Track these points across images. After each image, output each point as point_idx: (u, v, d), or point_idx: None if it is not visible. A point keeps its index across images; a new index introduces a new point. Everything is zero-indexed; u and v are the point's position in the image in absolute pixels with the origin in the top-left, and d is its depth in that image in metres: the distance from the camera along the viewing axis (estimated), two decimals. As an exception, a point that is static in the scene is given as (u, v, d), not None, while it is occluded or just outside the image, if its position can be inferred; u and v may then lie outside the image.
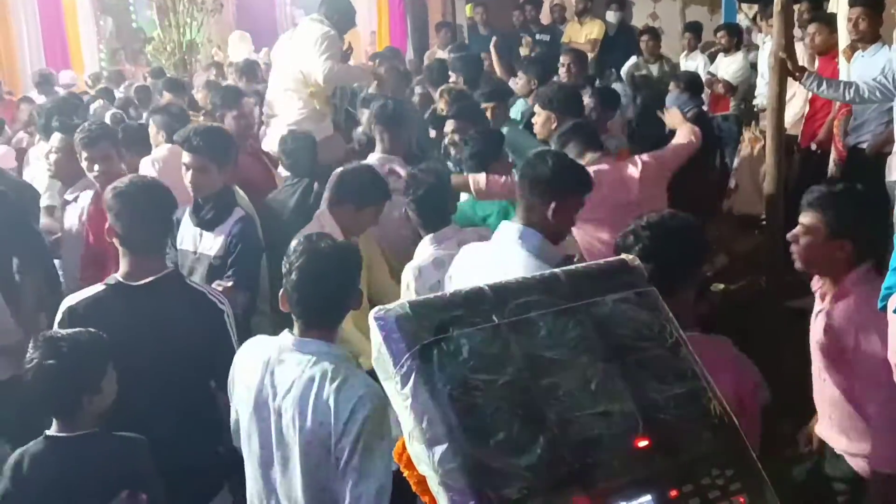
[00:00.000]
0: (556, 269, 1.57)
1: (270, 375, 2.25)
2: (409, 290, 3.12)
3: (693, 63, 8.26)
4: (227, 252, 3.40)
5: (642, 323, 1.53)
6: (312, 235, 2.38)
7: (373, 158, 4.23)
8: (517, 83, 5.92)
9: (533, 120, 4.41)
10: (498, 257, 2.66)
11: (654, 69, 8.06)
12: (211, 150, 3.49)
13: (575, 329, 1.46)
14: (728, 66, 7.87)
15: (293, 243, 2.31)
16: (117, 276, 2.72)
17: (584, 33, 9.30)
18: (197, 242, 3.52)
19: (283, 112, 5.37)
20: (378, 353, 1.42)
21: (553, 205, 2.65)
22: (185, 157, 3.53)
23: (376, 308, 1.43)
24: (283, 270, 2.27)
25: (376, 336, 1.41)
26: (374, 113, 4.38)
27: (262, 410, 2.27)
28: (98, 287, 2.72)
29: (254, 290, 3.49)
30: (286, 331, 2.32)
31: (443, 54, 9.39)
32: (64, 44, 11.90)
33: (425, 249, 3.23)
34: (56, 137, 4.35)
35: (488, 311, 1.44)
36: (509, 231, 2.71)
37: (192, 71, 9.72)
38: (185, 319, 2.67)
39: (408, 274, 3.18)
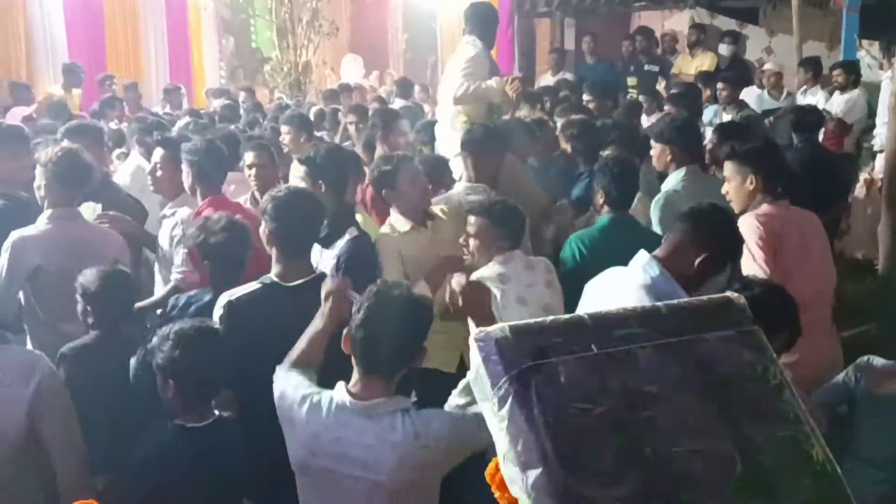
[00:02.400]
0: (659, 303, 1.56)
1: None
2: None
3: (812, 99, 8.00)
4: (336, 268, 3.48)
5: (745, 362, 1.51)
6: (388, 282, 2.38)
7: (459, 187, 4.13)
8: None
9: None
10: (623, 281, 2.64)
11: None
12: (324, 170, 3.68)
13: (675, 364, 1.45)
14: (843, 105, 7.60)
15: (370, 287, 2.32)
16: (272, 276, 2.90)
17: (694, 65, 9.18)
18: (317, 259, 3.61)
19: (446, 140, 5.13)
20: (476, 373, 1.44)
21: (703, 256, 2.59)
22: (298, 170, 3.69)
23: (477, 330, 1.46)
24: (353, 311, 2.29)
25: (476, 357, 1.44)
26: (462, 140, 4.24)
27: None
28: (255, 285, 2.90)
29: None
30: (341, 384, 2.30)
31: (550, 79, 9.48)
32: (188, 61, 12.55)
33: (491, 265, 3.27)
34: (158, 153, 4.37)
35: (588, 339, 1.45)
36: (645, 262, 2.62)
37: (305, 91, 10.07)
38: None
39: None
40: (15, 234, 3.48)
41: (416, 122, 6.22)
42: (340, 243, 3.54)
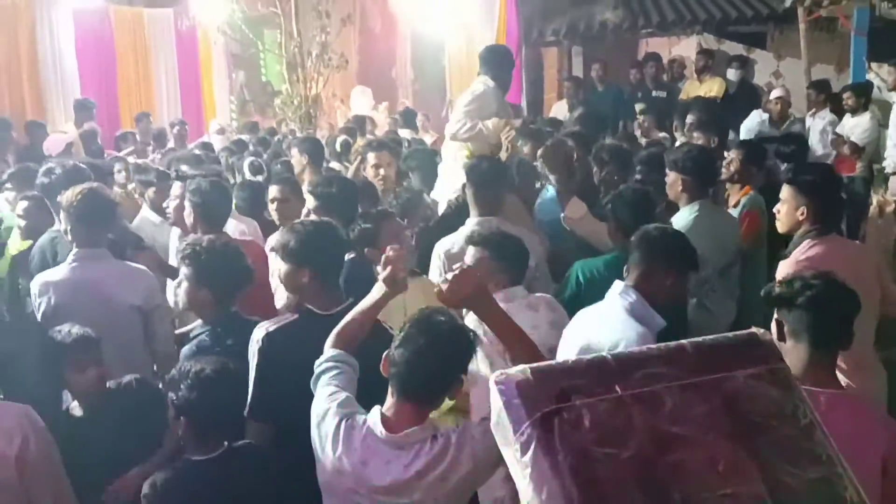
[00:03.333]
0: (684, 341, 1.52)
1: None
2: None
3: (820, 122, 7.98)
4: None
5: (774, 401, 1.47)
6: (433, 308, 2.31)
7: (471, 223, 3.95)
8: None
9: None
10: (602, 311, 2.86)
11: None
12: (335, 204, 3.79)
13: (702, 404, 1.42)
14: (855, 127, 7.57)
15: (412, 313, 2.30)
16: (308, 306, 2.89)
17: (703, 90, 9.16)
18: None
19: (450, 175, 5.13)
20: (497, 417, 1.41)
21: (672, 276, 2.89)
22: (310, 202, 3.78)
23: (497, 372, 1.43)
24: (396, 335, 2.27)
25: (496, 400, 1.40)
26: (466, 172, 4.14)
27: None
28: (290, 316, 2.91)
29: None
30: (376, 409, 2.25)
31: (564, 107, 9.52)
32: (198, 95, 12.67)
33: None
34: (176, 186, 4.47)
35: (612, 380, 1.41)
36: (621, 290, 2.88)
37: (316, 123, 10.12)
38: (366, 345, 2.63)
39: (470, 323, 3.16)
40: (40, 277, 3.51)
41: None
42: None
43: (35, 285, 3.51)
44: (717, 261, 3.87)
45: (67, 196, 3.54)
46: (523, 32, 10.32)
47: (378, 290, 2.54)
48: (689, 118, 5.72)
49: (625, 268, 2.98)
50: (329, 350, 2.47)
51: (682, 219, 3.97)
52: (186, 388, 2.55)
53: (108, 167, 6.16)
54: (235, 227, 4.39)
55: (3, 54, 9.32)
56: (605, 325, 2.80)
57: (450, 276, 2.29)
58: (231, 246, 3.32)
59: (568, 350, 2.84)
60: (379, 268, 2.56)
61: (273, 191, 4.46)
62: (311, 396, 2.43)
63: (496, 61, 5.03)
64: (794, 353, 2.26)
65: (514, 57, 5.34)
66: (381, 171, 5.02)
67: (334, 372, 2.40)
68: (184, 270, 3.19)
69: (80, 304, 3.38)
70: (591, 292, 3.26)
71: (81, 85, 10.25)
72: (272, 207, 4.46)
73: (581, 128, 6.67)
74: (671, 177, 4.09)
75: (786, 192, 3.55)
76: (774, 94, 7.79)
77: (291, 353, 2.71)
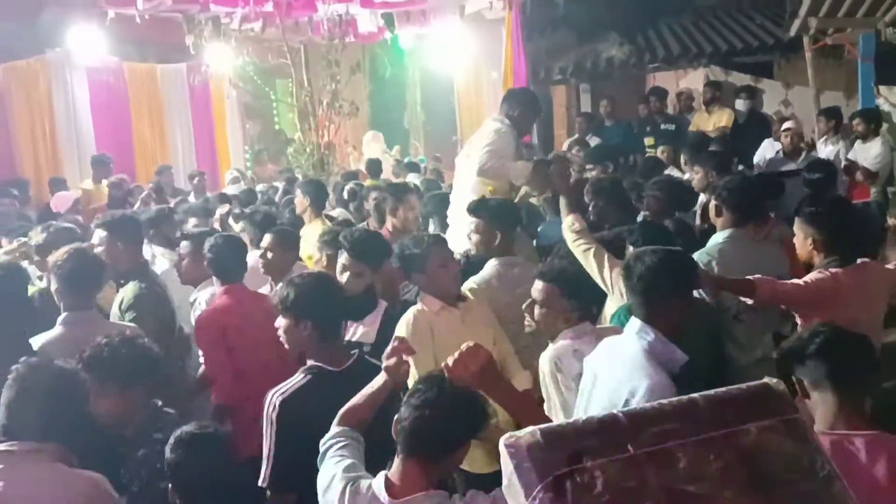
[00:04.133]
0: (695, 395, 1.51)
1: None
2: (547, 379, 3.12)
3: (833, 149, 7.96)
4: (382, 338, 3.50)
5: (790, 454, 1.45)
6: (440, 374, 2.25)
7: (491, 264, 3.98)
8: (694, 177, 5.75)
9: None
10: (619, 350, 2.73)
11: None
12: (369, 255, 3.75)
13: (717, 460, 1.39)
14: (867, 153, 7.54)
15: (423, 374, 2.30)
16: (317, 364, 2.86)
17: (712, 122, 9.20)
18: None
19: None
20: (509, 481, 1.39)
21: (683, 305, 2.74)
22: (343, 258, 3.77)
23: (507, 435, 1.41)
24: (404, 395, 2.24)
25: (507, 464, 1.39)
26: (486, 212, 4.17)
27: None
28: (301, 376, 2.85)
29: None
30: (382, 475, 2.21)
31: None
32: (213, 146, 12.82)
33: (564, 342, 3.15)
34: (184, 245, 4.53)
35: (624, 439, 1.40)
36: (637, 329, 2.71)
37: (329, 170, 10.22)
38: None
39: (545, 364, 3.15)
40: (36, 341, 3.42)
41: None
42: (370, 317, 3.69)
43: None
44: None
45: (55, 256, 3.54)
46: (531, 72, 10.41)
47: (381, 378, 2.53)
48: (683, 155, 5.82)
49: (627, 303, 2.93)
50: (334, 428, 2.45)
51: (710, 243, 4.00)
52: (171, 452, 2.59)
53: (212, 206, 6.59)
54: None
55: (23, 115, 9.50)
56: (625, 368, 2.70)
57: (456, 354, 2.25)
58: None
59: (586, 379, 2.82)
60: (384, 357, 2.55)
61: (265, 240, 4.45)
62: None
63: (516, 103, 5.09)
64: (820, 405, 2.24)
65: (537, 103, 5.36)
66: (409, 215, 5.12)
67: (340, 444, 2.39)
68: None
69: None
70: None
71: (97, 141, 10.40)
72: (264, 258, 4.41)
73: (591, 161, 6.79)
74: (712, 202, 4.13)
75: (795, 224, 3.65)
76: (785, 125, 7.77)
77: (310, 415, 2.64)
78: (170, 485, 2.61)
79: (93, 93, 10.42)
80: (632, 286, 2.73)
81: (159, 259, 5.23)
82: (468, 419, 2.18)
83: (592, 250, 3.78)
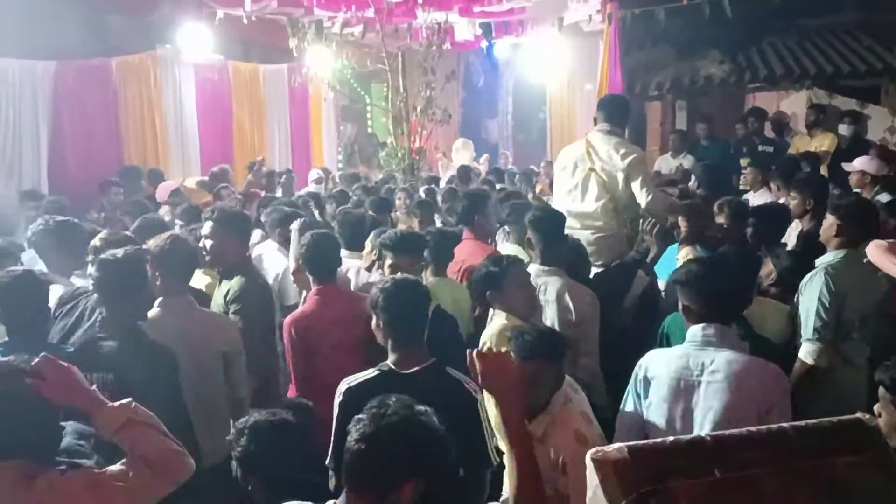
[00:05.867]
0: (785, 424, 1.51)
1: None
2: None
3: (938, 178, 7.61)
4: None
5: (880, 490, 1.43)
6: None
7: (533, 269, 4.15)
8: (790, 203, 5.57)
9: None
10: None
11: None
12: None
13: (804, 492, 1.39)
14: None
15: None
16: (389, 364, 2.98)
17: (813, 145, 8.92)
18: None
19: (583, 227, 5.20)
20: (593, 494, 1.42)
21: None
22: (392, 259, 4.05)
23: (594, 449, 1.45)
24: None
25: (592, 478, 1.42)
26: (529, 221, 4.35)
27: None
28: (372, 372, 2.99)
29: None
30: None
31: (670, 161, 9.45)
32: (308, 146, 13.17)
33: None
34: (206, 225, 4.40)
35: (710, 462, 1.41)
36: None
37: (418, 175, 10.38)
38: (445, 407, 2.63)
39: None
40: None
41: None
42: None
43: None
44: (856, 305, 3.91)
45: (156, 243, 3.63)
46: (627, 86, 10.32)
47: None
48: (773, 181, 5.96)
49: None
50: None
51: (824, 259, 4.06)
52: (245, 441, 2.68)
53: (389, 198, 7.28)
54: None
55: (133, 107, 9.94)
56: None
57: (485, 349, 2.25)
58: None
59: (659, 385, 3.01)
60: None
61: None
62: None
63: (617, 109, 5.25)
64: None
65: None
66: (485, 222, 5.25)
67: None
68: None
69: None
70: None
71: (200, 135, 10.82)
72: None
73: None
74: (829, 219, 4.18)
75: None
76: None
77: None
78: (240, 471, 2.68)
79: (198, 89, 10.82)
80: (684, 292, 3.12)
81: (275, 255, 5.42)
82: (408, 456, 1.99)
83: None
